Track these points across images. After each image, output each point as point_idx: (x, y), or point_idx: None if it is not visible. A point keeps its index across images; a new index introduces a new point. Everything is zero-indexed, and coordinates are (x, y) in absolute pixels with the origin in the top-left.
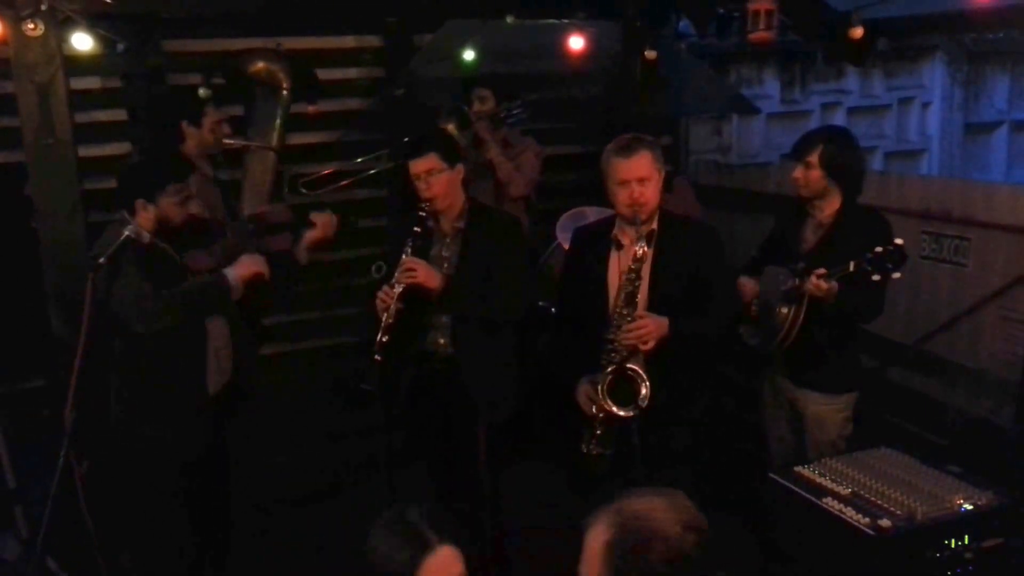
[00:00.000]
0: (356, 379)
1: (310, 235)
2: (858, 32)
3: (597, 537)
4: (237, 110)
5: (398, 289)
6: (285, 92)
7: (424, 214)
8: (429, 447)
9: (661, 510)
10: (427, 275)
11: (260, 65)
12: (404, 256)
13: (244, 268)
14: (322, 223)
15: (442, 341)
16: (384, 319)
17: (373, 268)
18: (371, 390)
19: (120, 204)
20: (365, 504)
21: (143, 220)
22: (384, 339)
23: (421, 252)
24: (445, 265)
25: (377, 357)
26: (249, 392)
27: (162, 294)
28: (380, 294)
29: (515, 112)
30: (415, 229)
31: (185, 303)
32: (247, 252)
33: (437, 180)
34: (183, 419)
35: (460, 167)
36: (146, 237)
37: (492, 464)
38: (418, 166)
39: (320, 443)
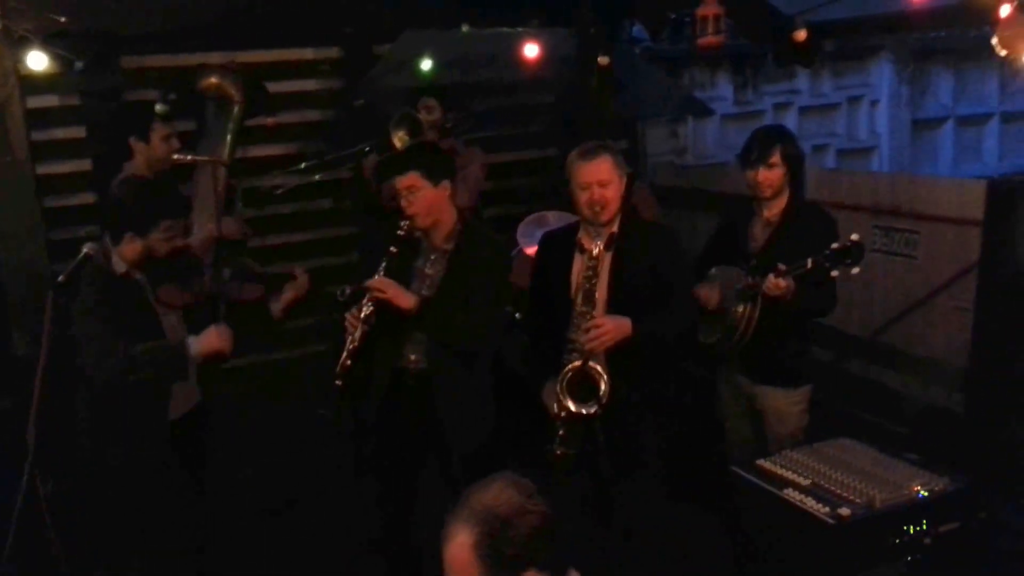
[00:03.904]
0: (316, 402)
1: (289, 295)
2: (801, 35)
3: (462, 544)
4: (190, 125)
5: (365, 311)
6: (236, 107)
7: (403, 232)
8: (393, 463)
9: (504, 490)
10: (396, 294)
11: (211, 80)
12: (376, 276)
13: (208, 344)
14: (300, 282)
15: (413, 357)
16: (349, 342)
17: (338, 292)
18: (328, 416)
19: (108, 233)
20: (335, 513)
21: (128, 251)
22: (348, 363)
23: (404, 264)
24: (428, 282)
25: (338, 382)
26: (215, 412)
27: (121, 348)
28: (348, 315)
29: (460, 121)
30: (391, 250)
31: (142, 364)
32: (221, 298)
33: (419, 198)
34: (142, 443)
35: (446, 184)
36: (121, 267)
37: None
38: (400, 182)
39: (288, 453)
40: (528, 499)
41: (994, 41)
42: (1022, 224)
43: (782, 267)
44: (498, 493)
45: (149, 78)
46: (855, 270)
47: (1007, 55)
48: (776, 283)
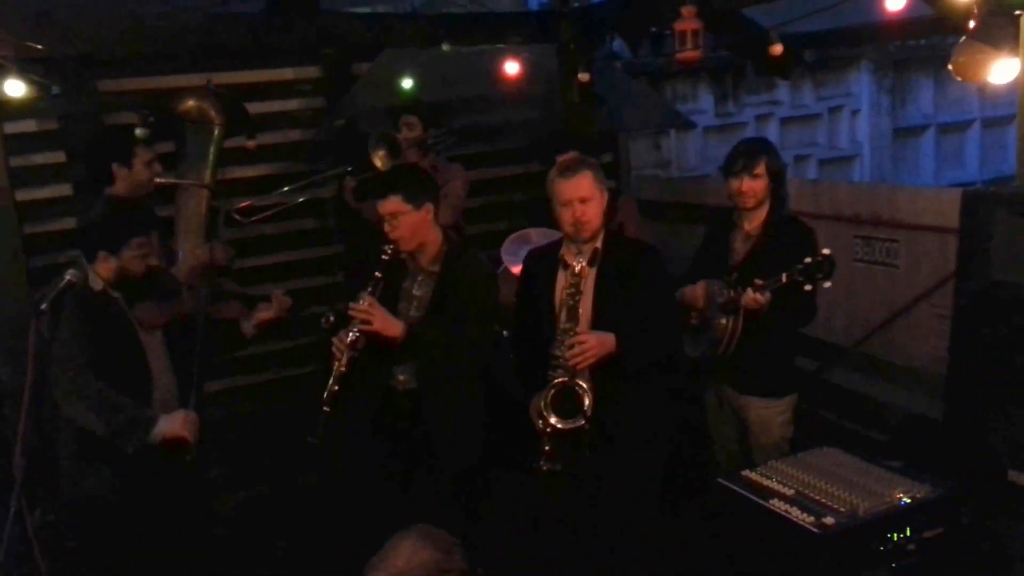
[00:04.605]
0: (304, 426)
1: (262, 314)
2: (777, 49)
3: None
4: (169, 148)
5: (351, 336)
6: (217, 129)
7: (387, 256)
8: (384, 483)
9: (418, 551)
10: (384, 323)
11: (190, 103)
12: (361, 301)
13: (172, 429)
14: (278, 304)
15: (402, 377)
16: (336, 368)
17: (323, 320)
18: (317, 443)
19: (82, 252)
20: (323, 532)
21: (102, 270)
22: (335, 388)
23: (390, 285)
24: (415, 303)
25: (326, 408)
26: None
27: (93, 384)
28: (335, 340)
29: (442, 138)
30: (376, 275)
31: (102, 409)
32: (200, 317)
33: (402, 222)
34: (123, 470)
35: (428, 206)
36: (98, 285)
37: (459, 511)
38: (383, 207)
39: (275, 476)
40: (445, 556)
41: (950, 67)
42: (998, 232)
43: (759, 282)
44: (411, 555)
45: (128, 101)
46: (827, 284)
47: (963, 81)
48: (755, 298)
